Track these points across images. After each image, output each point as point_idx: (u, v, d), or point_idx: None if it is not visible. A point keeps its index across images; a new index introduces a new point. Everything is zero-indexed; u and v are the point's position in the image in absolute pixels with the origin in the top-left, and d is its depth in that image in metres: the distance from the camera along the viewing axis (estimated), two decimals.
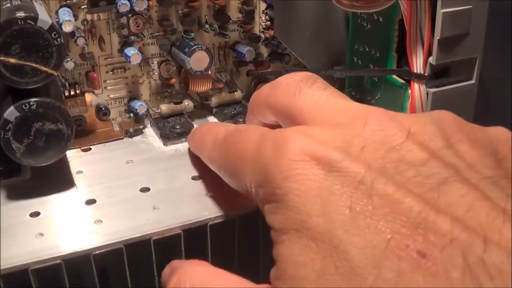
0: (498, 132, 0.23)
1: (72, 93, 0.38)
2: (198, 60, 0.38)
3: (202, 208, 0.31)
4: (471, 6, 0.32)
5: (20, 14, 0.29)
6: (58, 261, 0.28)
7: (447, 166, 0.20)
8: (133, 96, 0.41)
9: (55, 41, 0.30)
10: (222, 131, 0.29)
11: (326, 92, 0.26)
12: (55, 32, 0.30)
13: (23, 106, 0.30)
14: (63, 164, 0.36)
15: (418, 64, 0.33)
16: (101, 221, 0.31)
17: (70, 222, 0.31)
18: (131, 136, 0.39)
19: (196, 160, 0.35)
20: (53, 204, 0.32)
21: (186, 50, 0.38)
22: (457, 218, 0.18)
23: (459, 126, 0.22)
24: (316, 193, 0.20)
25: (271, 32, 0.42)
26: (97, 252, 0.29)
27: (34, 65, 0.30)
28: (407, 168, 0.20)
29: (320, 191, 0.20)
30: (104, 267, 0.30)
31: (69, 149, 0.37)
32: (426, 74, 0.33)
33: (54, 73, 0.30)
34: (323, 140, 0.22)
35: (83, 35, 0.37)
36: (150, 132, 0.40)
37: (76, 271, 0.29)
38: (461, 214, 0.18)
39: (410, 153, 0.21)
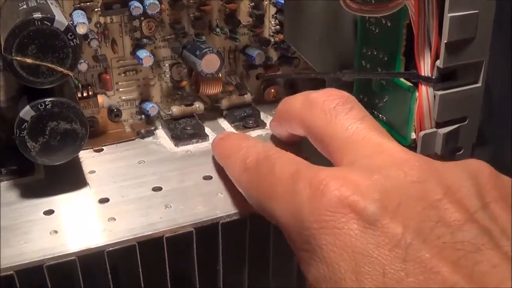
0: None
1: (85, 94, 0.39)
2: (209, 63, 0.39)
3: (213, 207, 0.32)
4: (477, 11, 0.32)
5: (37, 15, 0.29)
6: (72, 258, 0.29)
7: (482, 231, 0.20)
8: (145, 98, 0.41)
9: (71, 42, 0.30)
10: (253, 154, 0.28)
11: (363, 124, 0.25)
12: (71, 33, 0.30)
13: (39, 105, 0.31)
14: (76, 164, 0.37)
15: (425, 67, 0.33)
16: (115, 219, 0.31)
17: (84, 220, 0.31)
18: (142, 137, 0.40)
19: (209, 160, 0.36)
20: (66, 203, 0.33)
21: (197, 52, 0.39)
22: None
23: (494, 182, 0.22)
24: (351, 252, 0.20)
25: (281, 36, 0.43)
26: (110, 249, 0.29)
27: (50, 65, 0.30)
28: (443, 231, 0.20)
29: (355, 249, 0.20)
30: (117, 264, 0.30)
31: (82, 150, 0.38)
32: (433, 77, 0.33)
33: (70, 73, 0.31)
34: (361, 190, 0.21)
35: (96, 37, 0.37)
36: (161, 134, 0.41)
37: (89, 268, 0.29)
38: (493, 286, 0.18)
39: (447, 212, 0.20)
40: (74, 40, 0.31)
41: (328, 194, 0.21)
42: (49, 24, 0.30)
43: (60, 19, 0.30)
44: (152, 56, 0.39)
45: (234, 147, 0.31)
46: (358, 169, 0.23)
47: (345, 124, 0.26)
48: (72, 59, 0.31)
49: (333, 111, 0.26)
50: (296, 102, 0.30)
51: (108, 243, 0.29)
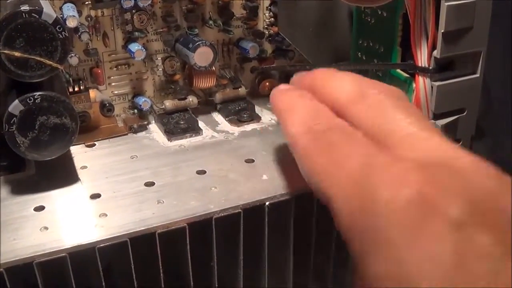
0: None
1: (76, 89, 0.38)
2: (202, 56, 0.38)
3: (207, 202, 0.31)
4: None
5: (25, 7, 0.29)
6: (63, 254, 0.28)
7: None
8: (137, 92, 0.41)
9: (59, 34, 0.30)
10: (324, 119, 0.26)
11: (422, 123, 0.23)
12: (59, 26, 0.30)
13: (28, 99, 0.30)
14: (67, 159, 0.36)
15: (422, 58, 0.33)
16: (106, 215, 0.30)
17: (75, 216, 0.31)
18: (135, 132, 0.39)
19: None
20: (57, 199, 0.32)
21: (190, 45, 0.38)
22: None
23: None
24: (437, 262, 0.17)
25: (275, 29, 0.42)
26: (102, 245, 0.29)
27: (38, 58, 0.30)
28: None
29: (442, 258, 0.18)
30: (109, 261, 0.29)
31: (73, 145, 0.37)
32: (430, 68, 0.33)
33: (59, 66, 0.30)
34: (445, 191, 0.19)
35: (87, 30, 0.37)
36: (154, 128, 0.40)
37: (81, 265, 0.29)
38: None
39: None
40: (63, 32, 0.30)
41: (409, 191, 0.19)
42: (37, 16, 0.29)
43: (48, 12, 0.29)
44: (144, 50, 0.38)
45: (302, 102, 0.28)
46: (425, 161, 0.21)
47: (403, 121, 0.24)
48: (61, 52, 0.30)
49: (390, 108, 0.24)
50: (343, 85, 0.27)
51: (100, 239, 0.29)
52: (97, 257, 0.29)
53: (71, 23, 0.35)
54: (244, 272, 0.33)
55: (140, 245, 0.30)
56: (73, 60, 0.37)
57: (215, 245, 0.31)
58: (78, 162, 0.36)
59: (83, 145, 0.38)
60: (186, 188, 0.33)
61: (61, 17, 0.35)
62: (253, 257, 0.33)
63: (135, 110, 0.40)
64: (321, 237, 0.34)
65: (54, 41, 0.30)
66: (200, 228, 0.30)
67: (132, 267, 0.30)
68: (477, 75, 0.34)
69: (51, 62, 0.30)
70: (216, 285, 0.32)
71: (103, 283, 0.29)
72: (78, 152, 0.37)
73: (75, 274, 0.28)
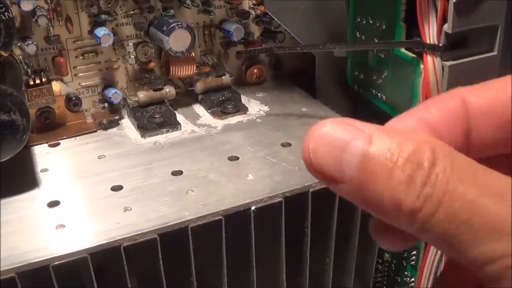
0: None
1: (37, 81, 0.34)
2: (178, 39, 0.34)
3: (181, 208, 0.27)
4: None
5: None
6: (11, 275, 0.24)
7: None
8: (108, 83, 0.36)
9: (1, 15, 0.25)
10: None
11: None
12: (1, 5, 0.25)
13: None
14: (27, 161, 0.32)
15: (431, 34, 0.29)
16: (64, 226, 0.26)
17: (29, 228, 0.27)
18: (105, 128, 0.35)
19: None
20: (9, 207, 0.28)
21: (165, 28, 0.33)
22: None
23: None
24: None
25: (262, 8, 0.38)
26: (56, 263, 0.24)
27: None
28: None
29: None
30: (67, 280, 0.25)
31: (35, 145, 0.34)
32: (440, 45, 0.29)
33: (3, 53, 0.26)
34: None
35: (45, 14, 0.32)
36: (127, 123, 0.36)
37: (33, 285, 0.25)
38: None
39: None
40: (6, 13, 0.26)
41: None
42: None
43: None
44: (112, 35, 0.34)
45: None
46: None
47: None
48: (5, 37, 0.26)
49: None
50: None
51: (54, 256, 0.25)
52: (53, 277, 0.24)
53: (26, 6, 0.31)
54: (229, 286, 0.29)
55: (103, 261, 0.26)
56: (30, 48, 0.33)
57: (193, 259, 0.27)
58: (38, 164, 0.32)
59: (46, 144, 0.34)
60: (159, 192, 0.29)
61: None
62: (239, 270, 0.29)
63: (106, 104, 0.36)
64: (316, 242, 0.30)
65: None
66: (175, 238, 0.26)
67: (95, 286, 0.25)
68: (494, 53, 0.30)
69: None
70: None
71: None
72: (40, 153, 0.33)
73: None
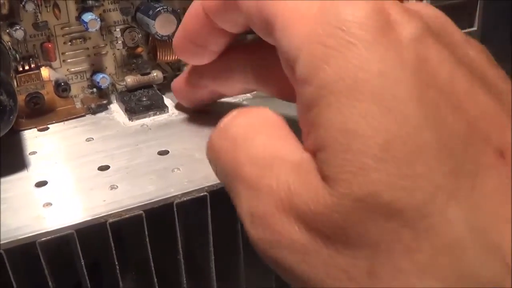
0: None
1: (26, 67, 0.34)
2: (164, 24, 0.34)
3: (167, 185, 0.27)
4: None
5: None
6: None
7: None
8: (97, 69, 0.36)
9: None
10: None
11: None
12: None
13: None
14: (16, 145, 0.32)
15: None
16: (51, 204, 0.26)
17: (16, 207, 0.27)
18: (93, 113, 0.35)
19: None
20: None
21: (150, 12, 0.34)
22: None
23: None
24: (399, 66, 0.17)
25: None
26: (43, 239, 0.25)
27: None
28: None
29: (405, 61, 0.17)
30: (54, 255, 0.26)
31: (24, 130, 0.34)
32: None
33: None
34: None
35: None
36: (115, 108, 0.36)
37: (21, 260, 0.25)
38: None
39: None
40: None
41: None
42: None
43: None
44: (98, 20, 0.34)
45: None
46: None
47: None
48: None
49: None
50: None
51: (40, 232, 0.25)
52: (39, 253, 0.25)
53: None
54: (218, 266, 0.29)
55: (90, 237, 0.26)
56: (18, 33, 0.33)
57: (179, 236, 0.27)
58: (27, 147, 0.32)
59: (35, 129, 0.34)
60: (145, 170, 0.29)
61: None
62: (227, 247, 0.29)
63: (94, 89, 0.36)
64: None
65: None
66: (160, 215, 0.26)
67: (82, 263, 0.26)
68: (474, 28, 0.30)
69: None
70: (185, 282, 0.28)
71: (50, 283, 0.25)
72: (29, 138, 0.33)
73: (14, 271, 0.24)
